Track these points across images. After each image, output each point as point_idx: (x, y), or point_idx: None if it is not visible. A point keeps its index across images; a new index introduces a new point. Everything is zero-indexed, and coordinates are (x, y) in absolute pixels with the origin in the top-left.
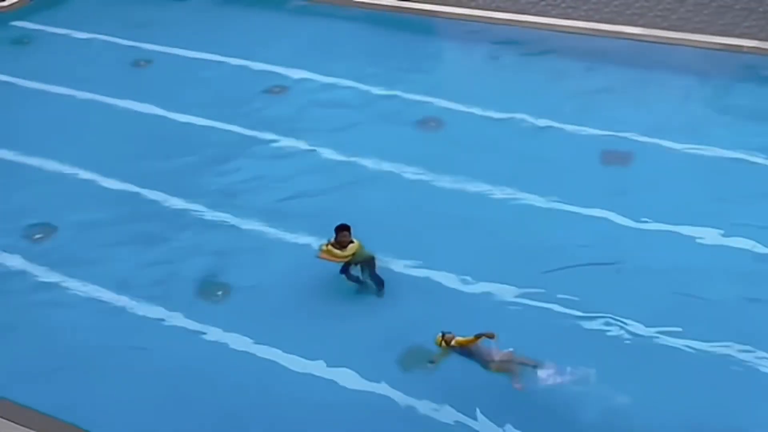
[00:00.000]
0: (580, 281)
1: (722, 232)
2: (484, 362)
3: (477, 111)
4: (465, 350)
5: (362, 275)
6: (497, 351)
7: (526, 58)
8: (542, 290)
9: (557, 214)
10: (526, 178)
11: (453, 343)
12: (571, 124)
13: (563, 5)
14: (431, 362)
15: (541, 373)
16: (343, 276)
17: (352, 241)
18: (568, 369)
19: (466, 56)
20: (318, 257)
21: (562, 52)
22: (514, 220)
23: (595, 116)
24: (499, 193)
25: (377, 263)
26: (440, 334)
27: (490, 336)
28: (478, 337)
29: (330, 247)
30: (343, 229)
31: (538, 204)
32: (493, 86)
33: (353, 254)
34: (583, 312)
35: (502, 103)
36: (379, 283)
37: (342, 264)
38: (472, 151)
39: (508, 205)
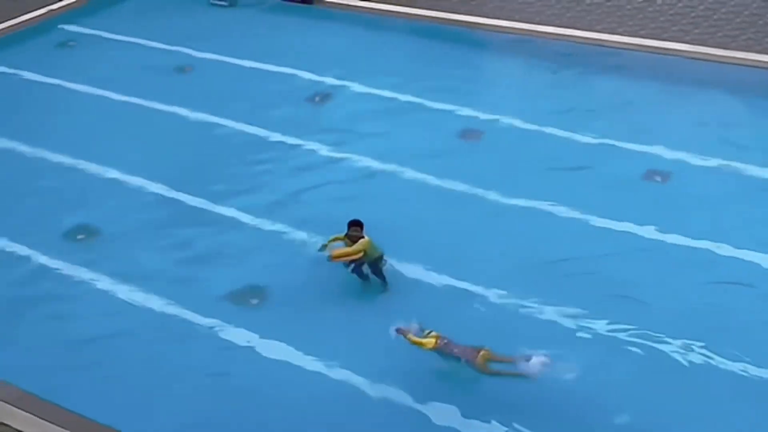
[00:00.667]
0: (602, 296)
1: None
2: (467, 360)
3: (517, 123)
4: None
5: (369, 272)
6: (461, 348)
7: (568, 71)
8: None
9: (590, 229)
10: (565, 193)
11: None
12: (616, 139)
13: (608, 20)
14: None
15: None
16: (355, 274)
17: (362, 237)
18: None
19: (508, 68)
20: (330, 260)
21: (603, 66)
22: (549, 233)
23: (632, 131)
24: (535, 205)
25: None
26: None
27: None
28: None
29: (336, 243)
30: (355, 224)
31: (573, 218)
32: (533, 98)
33: (364, 250)
34: (611, 330)
35: (541, 115)
36: (384, 279)
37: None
38: (512, 163)
39: (542, 218)
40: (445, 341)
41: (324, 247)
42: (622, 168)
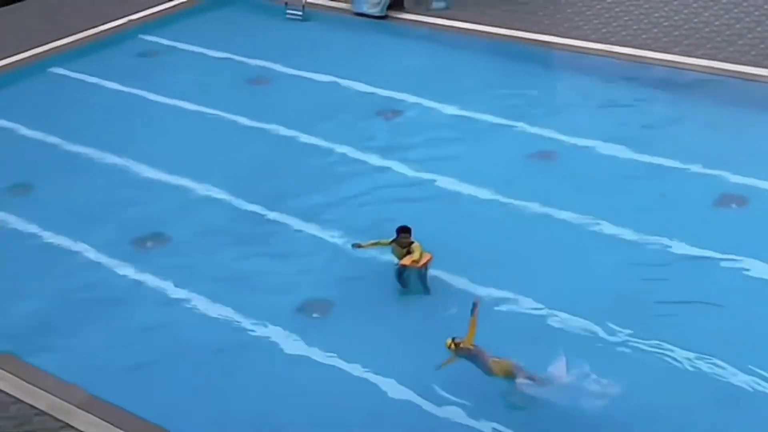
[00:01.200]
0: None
1: None
2: (487, 368)
3: (592, 143)
4: (471, 355)
5: (412, 277)
6: (498, 359)
7: (646, 95)
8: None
9: (669, 256)
10: (639, 218)
11: (461, 345)
12: (691, 163)
13: (685, 42)
14: (439, 367)
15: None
16: (400, 281)
17: (412, 242)
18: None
19: (583, 90)
20: (400, 264)
21: (681, 89)
22: (619, 258)
23: (707, 154)
24: (606, 230)
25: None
26: (451, 339)
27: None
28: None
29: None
30: (405, 230)
31: (648, 243)
32: (609, 121)
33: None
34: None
35: (617, 136)
36: (426, 284)
37: (398, 267)
38: (586, 186)
39: (613, 244)
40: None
41: (359, 246)
42: (696, 192)
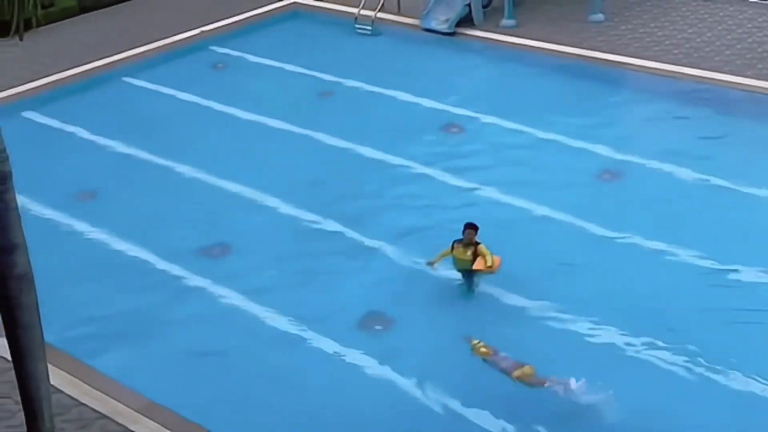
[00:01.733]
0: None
1: None
2: (505, 371)
3: (656, 165)
4: (492, 360)
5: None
6: (509, 360)
7: (717, 117)
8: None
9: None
10: (709, 243)
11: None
12: (757, 187)
13: (759, 66)
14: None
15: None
16: (465, 282)
17: (478, 242)
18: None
19: (653, 111)
20: (473, 268)
21: (748, 112)
22: (682, 279)
23: None
24: (672, 250)
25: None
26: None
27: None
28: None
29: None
30: (471, 226)
31: (724, 270)
32: (678, 143)
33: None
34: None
35: (688, 160)
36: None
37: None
38: (653, 207)
39: (679, 265)
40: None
41: (431, 264)
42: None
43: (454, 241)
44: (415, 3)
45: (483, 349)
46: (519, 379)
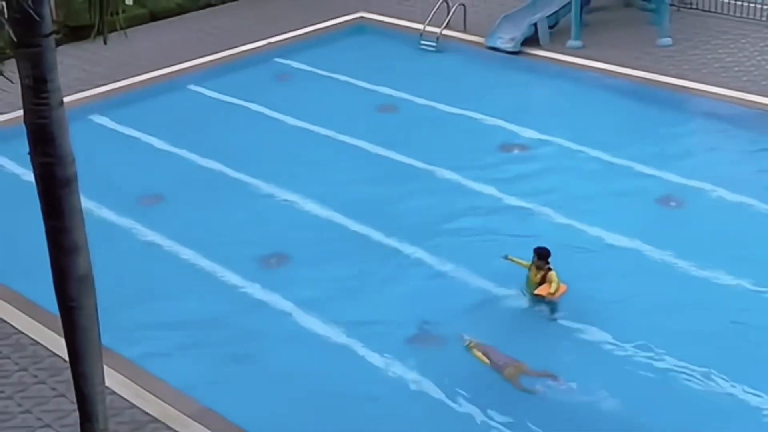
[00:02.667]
0: None
1: None
2: (498, 368)
3: (723, 193)
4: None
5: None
6: (511, 360)
7: None
8: None
9: None
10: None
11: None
12: None
13: None
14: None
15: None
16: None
17: (550, 268)
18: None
19: (719, 138)
20: (535, 294)
21: None
22: (736, 310)
23: None
24: (740, 285)
25: None
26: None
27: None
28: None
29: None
30: (542, 255)
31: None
32: (744, 172)
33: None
34: None
35: (753, 189)
36: None
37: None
38: (715, 235)
39: (747, 299)
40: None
41: (507, 257)
42: None
43: (534, 260)
44: (481, 21)
45: (477, 351)
46: (510, 376)
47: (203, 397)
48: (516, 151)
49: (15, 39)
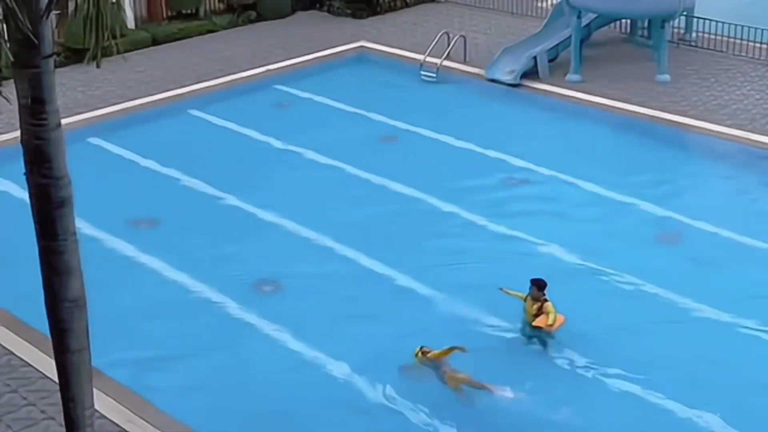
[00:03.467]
0: None
1: None
2: (443, 375)
3: (719, 231)
4: (435, 364)
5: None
6: (454, 370)
7: None
8: None
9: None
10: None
11: (429, 355)
12: None
13: None
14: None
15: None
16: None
17: (546, 299)
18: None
19: (716, 174)
20: (533, 325)
21: None
22: (732, 347)
23: None
24: (718, 317)
25: None
26: (419, 348)
27: (462, 349)
28: (450, 349)
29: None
30: (539, 286)
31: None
32: (738, 208)
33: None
34: None
35: (747, 226)
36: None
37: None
38: (710, 271)
39: (744, 340)
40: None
41: (503, 290)
42: None
43: (531, 291)
44: (481, 53)
45: (428, 356)
46: (452, 385)
47: (193, 423)
48: (515, 183)
49: (12, 59)
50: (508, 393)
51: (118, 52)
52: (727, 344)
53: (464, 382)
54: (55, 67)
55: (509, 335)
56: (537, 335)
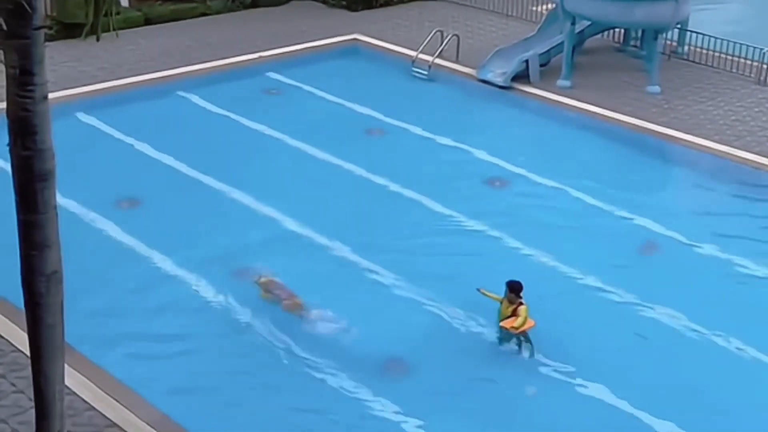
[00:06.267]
0: None
1: None
2: (279, 300)
3: (696, 244)
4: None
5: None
6: (286, 292)
7: (762, 201)
8: None
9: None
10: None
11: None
12: None
13: None
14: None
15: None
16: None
17: (521, 303)
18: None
19: (698, 188)
20: (501, 324)
21: None
22: (708, 361)
23: None
24: (694, 328)
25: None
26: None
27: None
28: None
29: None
30: (514, 289)
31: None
32: (719, 223)
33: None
34: None
35: (727, 241)
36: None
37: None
38: (687, 283)
39: (703, 347)
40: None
41: (481, 291)
42: None
43: (507, 294)
44: (473, 53)
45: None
46: (288, 309)
47: (163, 405)
48: (497, 185)
49: (5, 28)
50: (327, 317)
51: (113, 29)
52: (705, 358)
53: (300, 308)
54: (46, 40)
55: (477, 331)
56: (508, 337)
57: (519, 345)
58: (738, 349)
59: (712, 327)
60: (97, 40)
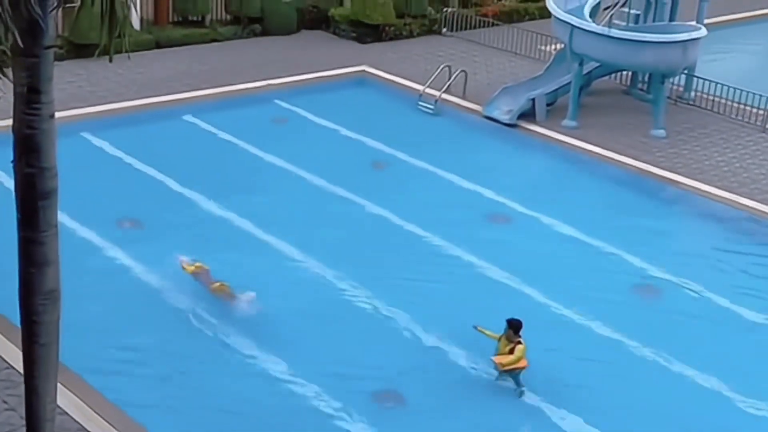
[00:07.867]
0: None
1: None
2: (207, 284)
3: (699, 289)
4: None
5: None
6: (213, 280)
7: (764, 249)
8: None
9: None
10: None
11: (193, 268)
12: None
13: None
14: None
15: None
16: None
17: (520, 341)
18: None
19: (699, 233)
20: (491, 358)
21: None
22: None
23: None
24: (692, 377)
25: None
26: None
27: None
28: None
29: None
30: (514, 326)
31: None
32: (720, 269)
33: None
34: None
35: (729, 288)
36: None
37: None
38: (682, 329)
39: (698, 393)
40: (206, 271)
41: (477, 328)
42: None
43: (506, 331)
44: (480, 89)
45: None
46: (215, 291)
47: (155, 428)
48: (500, 221)
49: (22, 45)
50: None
51: (126, 50)
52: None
53: (225, 290)
54: (56, 59)
55: (472, 367)
56: (506, 374)
57: (517, 383)
58: (734, 392)
59: (702, 369)
60: (110, 60)
